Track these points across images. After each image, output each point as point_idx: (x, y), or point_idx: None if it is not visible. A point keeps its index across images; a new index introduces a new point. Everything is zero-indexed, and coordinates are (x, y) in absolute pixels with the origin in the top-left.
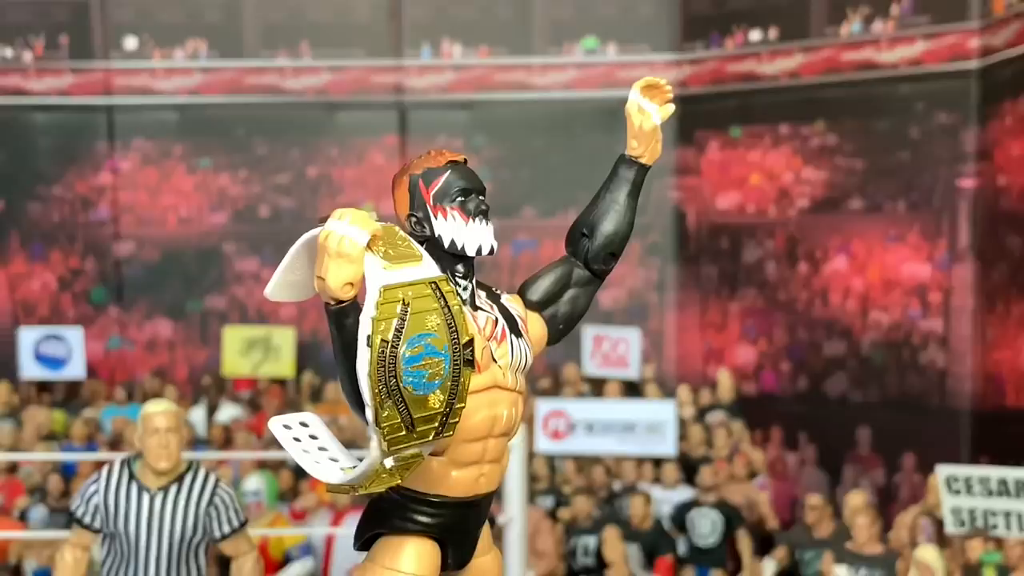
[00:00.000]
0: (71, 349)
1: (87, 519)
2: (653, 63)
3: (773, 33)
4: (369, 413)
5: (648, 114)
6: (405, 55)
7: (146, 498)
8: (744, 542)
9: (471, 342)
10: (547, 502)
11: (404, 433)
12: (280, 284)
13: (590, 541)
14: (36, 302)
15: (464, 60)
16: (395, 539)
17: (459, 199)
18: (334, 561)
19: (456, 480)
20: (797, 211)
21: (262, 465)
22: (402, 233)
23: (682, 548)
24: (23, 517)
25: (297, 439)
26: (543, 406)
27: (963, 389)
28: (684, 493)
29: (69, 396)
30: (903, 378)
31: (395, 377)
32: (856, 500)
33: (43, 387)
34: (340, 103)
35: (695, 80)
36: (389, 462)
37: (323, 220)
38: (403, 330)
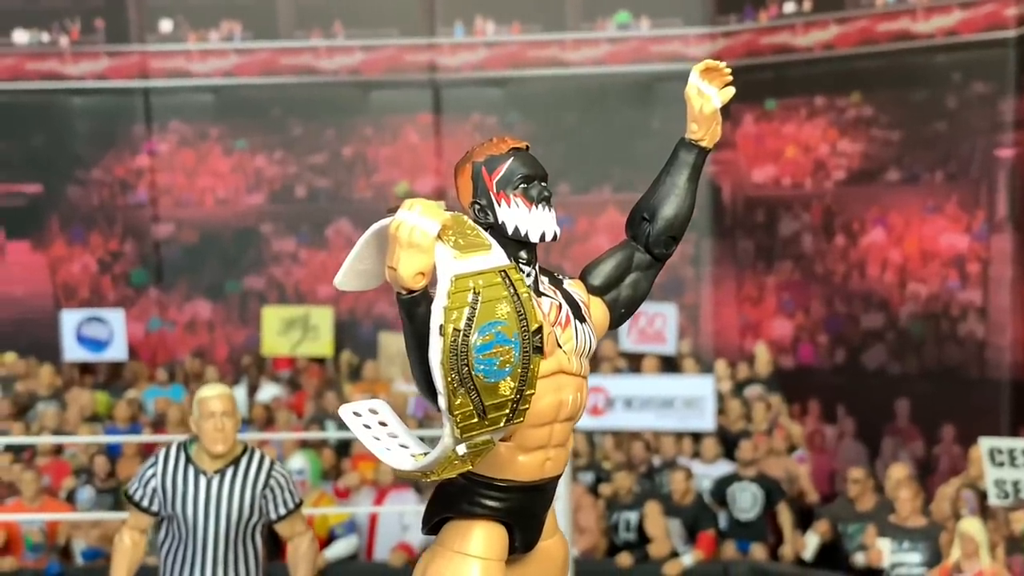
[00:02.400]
0: (112, 331)
1: (144, 502)
2: (686, 37)
3: (807, 4)
4: (442, 401)
5: (708, 97)
6: (438, 33)
7: (203, 481)
8: (785, 515)
9: (540, 329)
10: (587, 478)
11: (476, 420)
12: (349, 273)
13: (632, 516)
14: (77, 285)
15: (497, 37)
16: (463, 523)
17: (522, 186)
18: (378, 538)
19: (523, 464)
20: (833, 183)
21: (304, 444)
22: (470, 222)
23: (723, 522)
24: (70, 498)
25: (367, 426)
26: None
27: (1002, 360)
28: (724, 467)
29: (111, 377)
30: (942, 349)
31: (467, 365)
32: (898, 473)
33: (85, 369)
34: (374, 82)
35: (729, 53)
36: (461, 449)
37: (392, 210)
38: (474, 318)
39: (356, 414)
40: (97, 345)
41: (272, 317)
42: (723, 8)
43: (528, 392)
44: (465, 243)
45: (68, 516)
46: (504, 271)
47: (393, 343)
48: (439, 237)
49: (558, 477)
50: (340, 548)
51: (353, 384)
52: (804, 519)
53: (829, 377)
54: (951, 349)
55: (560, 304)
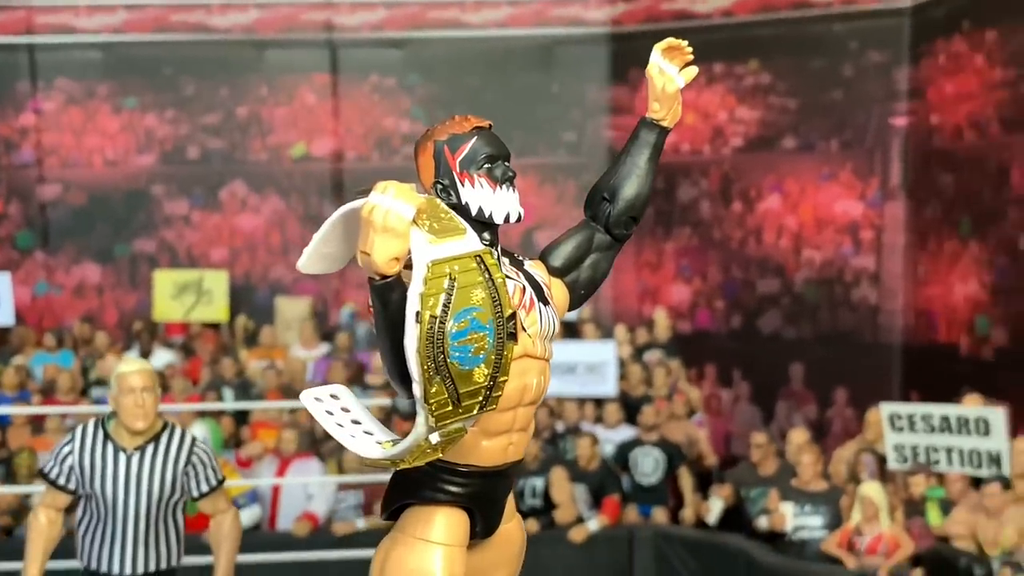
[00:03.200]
0: None
1: (61, 480)
2: (587, 0)
3: None
4: (417, 389)
5: (670, 77)
6: None
7: (122, 458)
8: (686, 479)
9: (513, 315)
10: None
11: (451, 408)
12: (313, 256)
13: (537, 482)
14: None
15: None
16: (425, 509)
17: (486, 166)
18: (281, 508)
19: (486, 449)
20: (731, 150)
21: (202, 414)
22: (444, 206)
23: (625, 486)
24: None
25: (330, 412)
26: None
27: (894, 325)
28: (626, 432)
29: None
30: (835, 315)
31: (443, 353)
32: (799, 438)
33: None
34: (269, 41)
35: (628, 18)
36: (435, 437)
37: (363, 192)
38: (450, 305)
39: (317, 399)
40: None
41: (164, 281)
42: None
43: (501, 379)
44: (440, 227)
45: None
46: (479, 256)
47: (289, 308)
48: (414, 221)
49: (520, 462)
50: (243, 518)
51: (249, 350)
52: (703, 482)
53: (725, 342)
54: (844, 314)
55: (524, 286)
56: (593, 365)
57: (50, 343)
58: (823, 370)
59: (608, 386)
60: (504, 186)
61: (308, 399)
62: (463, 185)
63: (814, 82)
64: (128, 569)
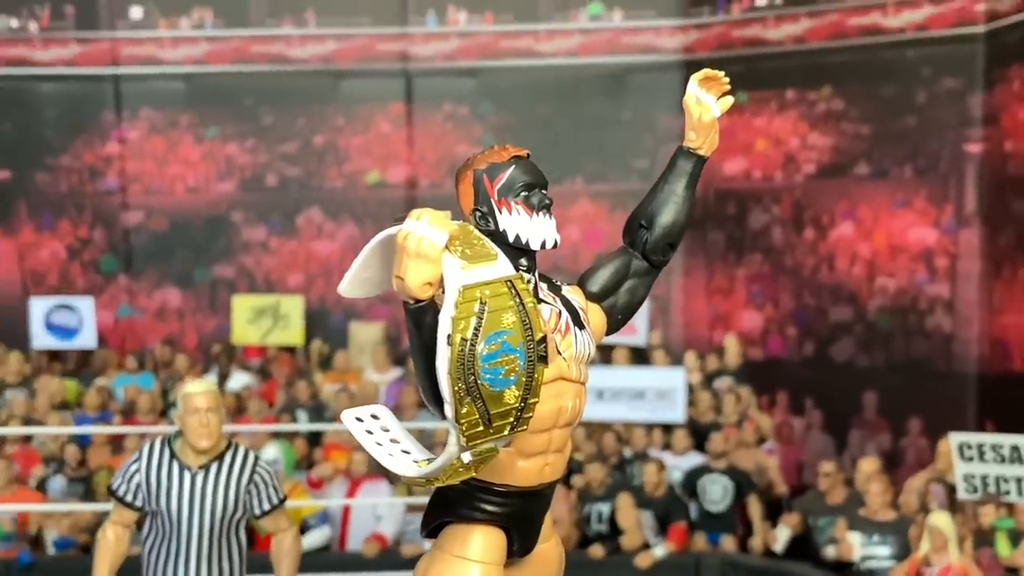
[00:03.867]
0: (82, 319)
1: (128, 497)
2: (659, 28)
3: None
4: (448, 410)
5: (707, 106)
6: (410, 22)
7: (187, 476)
8: (754, 507)
9: (544, 338)
10: None
11: (481, 428)
12: (353, 281)
13: (604, 508)
14: (45, 272)
15: (469, 27)
16: (462, 527)
17: (523, 194)
18: (351, 528)
19: (522, 470)
20: (803, 176)
21: (277, 434)
22: (476, 232)
23: (693, 514)
24: (41, 487)
25: (370, 431)
26: None
27: (969, 353)
28: (694, 459)
29: (80, 365)
30: (909, 343)
31: (473, 374)
32: (868, 467)
33: (54, 356)
34: (346, 71)
35: (701, 46)
36: (467, 456)
37: (399, 220)
38: (480, 328)
39: (358, 419)
40: (66, 333)
41: (242, 306)
42: (696, 0)
43: (532, 401)
44: (472, 253)
45: (41, 507)
46: (510, 281)
47: (362, 332)
48: (446, 247)
49: (556, 482)
50: (313, 539)
51: (324, 373)
52: (773, 511)
53: (797, 369)
54: (918, 342)
55: (560, 311)
56: (662, 391)
57: (132, 365)
58: (897, 399)
59: (677, 412)
60: (541, 213)
61: (349, 419)
62: (501, 212)
63: (887, 108)
64: None
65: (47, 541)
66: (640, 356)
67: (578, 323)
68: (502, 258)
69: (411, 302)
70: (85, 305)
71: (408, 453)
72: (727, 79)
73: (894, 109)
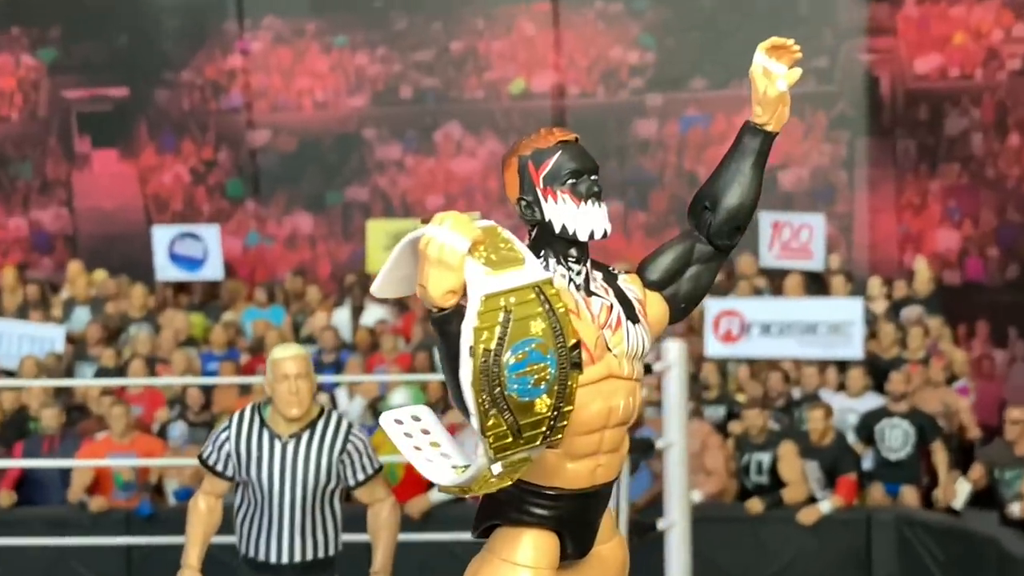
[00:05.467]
0: (207, 248)
1: (219, 467)
2: None
3: None
4: (474, 421)
5: (774, 79)
6: None
7: (278, 445)
8: (940, 455)
9: (577, 344)
10: (718, 413)
11: (511, 440)
12: (386, 281)
13: (764, 458)
14: (169, 197)
15: None
16: (512, 531)
17: (570, 181)
18: None
19: (572, 472)
20: (1008, 74)
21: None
22: (505, 234)
23: (870, 462)
24: (163, 433)
25: (408, 435)
26: (714, 306)
27: None
28: (872, 401)
29: (207, 298)
30: None
31: (500, 385)
32: None
33: (180, 288)
34: None
35: None
36: (497, 468)
37: (427, 221)
38: (506, 337)
39: (398, 421)
40: (191, 263)
41: (377, 231)
42: None
43: (567, 409)
44: (498, 259)
45: (158, 462)
46: (539, 287)
47: None
48: (470, 253)
49: (612, 482)
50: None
51: None
52: (965, 458)
53: (1000, 294)
54: None
55: (611, 305)
56: (836, 325)
57: (261, 298)
58: None
59: (854, 348)
60: (589, 201)
61: (388, 422)
62: (546, 201)
63: None
64: (285, 557)
65: (168, 491)
66: (816, 282)
67: (632, 316)
68: (531, 262)
69: (435, 310)
70: (210, 233)
71: (448, 457)
72: (797, 47)
73: None
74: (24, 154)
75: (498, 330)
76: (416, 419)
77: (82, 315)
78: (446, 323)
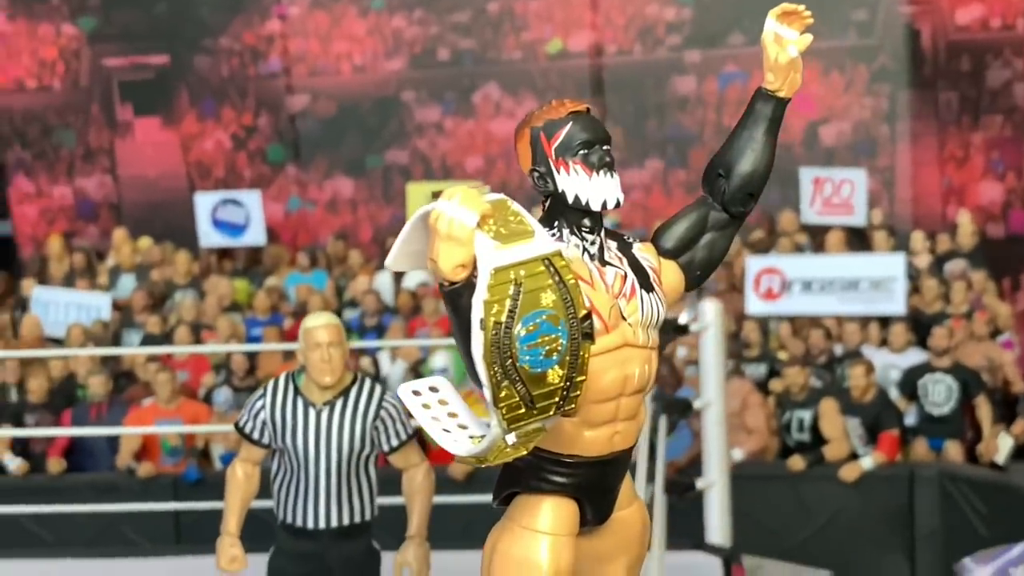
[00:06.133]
0: (249, 214)
1: (255, 435)
2: None
3: None
4: (487, 393)
5: (786, 44)
6: None
7: (312, 413)
8: (984, 409)
9: (588, 315)
10: (759, 371)
11: (524, 411)
12: (399, 255)
13: (805, 415)
14: (211, 164)
15: None
16: (532, 498)
17: (582, 152)
18: None
19: (590, 440)
20: None
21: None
22: (514, 207)
23: (914, 418)
24: (208, 398)
25: (427, 405)
26: (754, 263)
27: None
28: (915, 356)
29: (251, 263)
30: None
31: (511, 357)
32: None
33: (224, 255)
34: None
35: None
36: (511, 438)
37: (437, 195)
38: (516, 310)
39: (416, 392)
40: (234, 230)
41: (418, 194)
42: None
43: (579, 379)
44: (507, 232)
45: (201, 429)
46: (548, 259)
47: None
48: (479, 227)
49: (630, 449)
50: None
51: None
52: (1010, 412)
53: None
54: None
55: (625, 273)
56: (878, 281)
57: (303, 262)
58: None
59: (896, 304)
60: (602, 172)
61: (406, 393)
62: (559, 172)
63: None
64: (322, 523)
65: (215, 456)
66: (859, 237)
67: (646, 285)
68: (540, 235)
69: (446, 284)
70: (252, 199)
71: (465, 428)
72: (808, 12)
73: None
74: (67, 123)
75: (508, 303)
76: (434, 390)
77: (127, 282)
78: (457, 297)
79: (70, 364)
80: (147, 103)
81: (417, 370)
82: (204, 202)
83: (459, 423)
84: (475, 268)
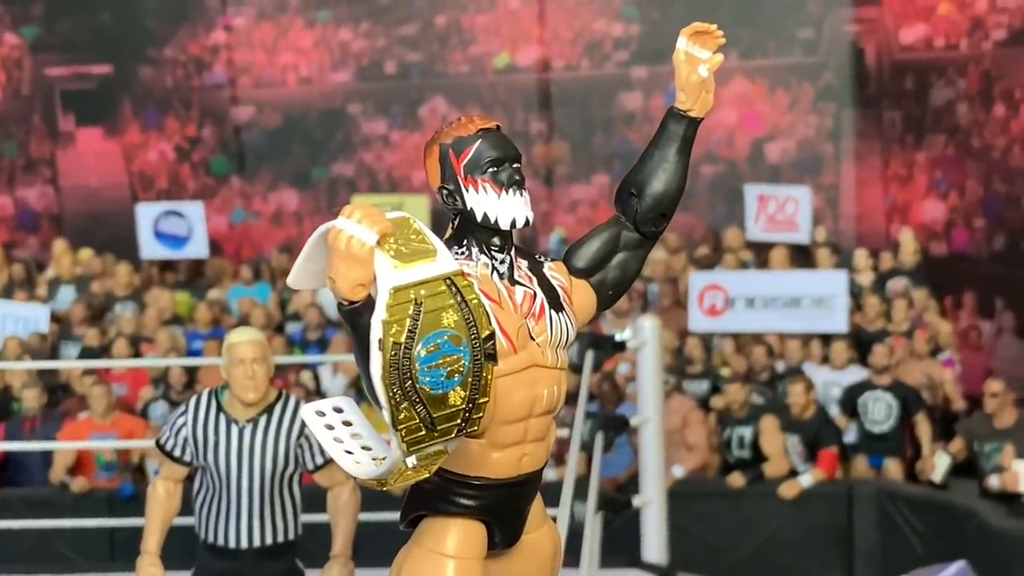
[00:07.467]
0: (191, 225)
1: (176, 452)
2: None
3: None
4: (386, 415)
5: (697, 64)
6: None
7: (235, 430)
8: (923, 427)
9: (492, 336)
10: (701, 387)
11: (424, 432)
12: (301, 273)
13: (746, 432)
14: (154, 174)
15: None
16: (439, 520)
17: (491, 170)
18: None
19: (497, 461)
20: (992, 44)
21: None
22: (416, 225)
23: (854, 435)
24: (146, 412)
25: (330, 426)
26: (698, 280)
27: None
28: (856, 374)
29: (193, 276)
30: None
31: (411, 378)
32: None
33: (166, 267)
34: None
35: None
36: (411, 461)
37: (337, 213)
38: (416, 330)
39: (319, 413)
40: (176, 241)
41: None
42: None
43: (482, 400)
44: (408, 251)
45: (135, 444)
46: (450, 278)
47: None
48: (379, 245)
49: (540, 471)
50: None
51: None
52: (950, 430)
53: (986, 266)
54: None
55: (535, 293)
56: (821, 298)
57: (247, 275)
58: None
59: (838, 321)
60: (511, 190)
61: (309, 414)
62: (467, 190)
63: None
64: (244, 542)
65: (149, 471)
66: (803, 255)
67: (556, 305)
68: (442, 253)
69: (345, 303)
70: (195, 211)
71: (368, 450)
72: (720, 32)
73: None
74: (8, 132)
75: (408, 323)
76: (338, 410)
77: (67, 294)
78: (356, 316)
79: (5, 377)
80: (90, 113)
81: (358, 385)
82: (146, 213)
83: (362, 444)
84: (375, 287)
